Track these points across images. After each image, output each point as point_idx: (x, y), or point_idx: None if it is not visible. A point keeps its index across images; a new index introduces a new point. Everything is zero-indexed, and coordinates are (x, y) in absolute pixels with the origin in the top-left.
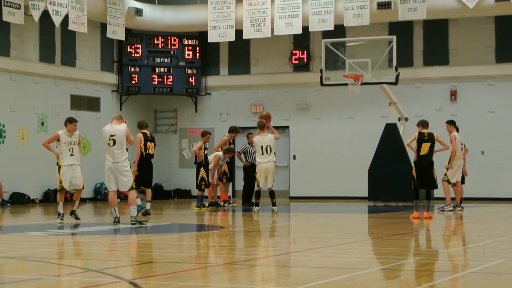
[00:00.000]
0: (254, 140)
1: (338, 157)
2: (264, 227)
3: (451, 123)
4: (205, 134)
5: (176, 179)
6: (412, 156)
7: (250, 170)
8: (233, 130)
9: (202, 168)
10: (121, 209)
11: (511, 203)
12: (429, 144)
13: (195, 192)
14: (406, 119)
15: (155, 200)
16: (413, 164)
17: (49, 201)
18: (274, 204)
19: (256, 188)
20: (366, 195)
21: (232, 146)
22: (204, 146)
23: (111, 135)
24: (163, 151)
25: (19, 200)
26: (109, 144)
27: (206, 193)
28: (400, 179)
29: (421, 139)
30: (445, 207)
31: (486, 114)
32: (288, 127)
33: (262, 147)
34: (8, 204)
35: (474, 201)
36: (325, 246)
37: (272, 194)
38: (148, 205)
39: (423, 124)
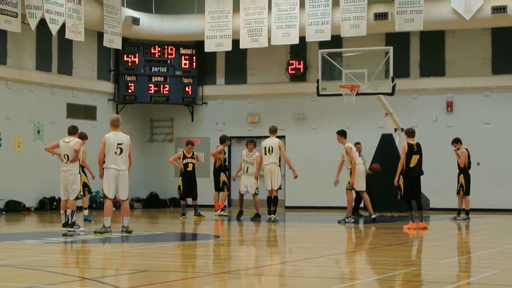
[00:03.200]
0: (262, 143)
1: (334, 167)
2: (259, 236)
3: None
4: (187, 144)
5: (172, 188)
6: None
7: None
8: (224, 139)
9: (180, 177)
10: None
11: (507, 214)
12: (418, 156)
13: (190, 201)
14: (402, 129)
15: (150, 209)
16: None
17: (45, 209)
18: (273, 212)
19: (267, 194)
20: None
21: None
22: (185, 155)
23: (119, 144)
24: (159, 160)
25: (14, 208)
26: (115, 152)
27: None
28: (396, 189)
29: (411, 151)
30: (346, 220)
31: (482, 126)
32: (284, 137)
33: (265, 147)
34: (4, 212)
35: (470, 212)
36: (321, 256)
37: (274, 200)
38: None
39: (410, 133)
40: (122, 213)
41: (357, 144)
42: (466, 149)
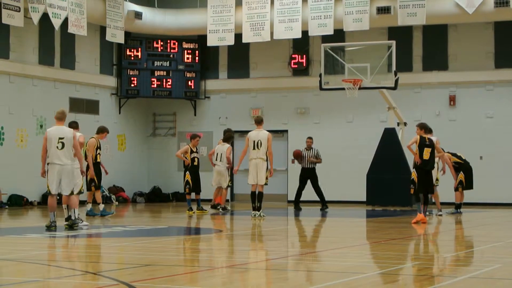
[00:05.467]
0: (249, 135)
1: (336, 161)
2: (262, 231)
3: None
4: (194, 137)
5: (175, 182)
6: (410, 159)
7: (303, 174)
8: (226, 134)
9: (187, 172)
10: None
11: (510, 208)
12: (430, 150)
13: (193, 195)
14: (405, 124)
15: (153, 203)
16: (413, 168)
17: (47, 203)
18: (258, 209)
19: (251, 188)
20: (364, 199)
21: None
22: (192, 150)
23: (60, 138)
24: (162, 155)
25: (17, 202)
26: (57, 147)
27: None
28: (399, 183)
29: (422, 143)
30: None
31: (485, 120)
32: (286, 131)
33: (254, 141)
34: (7, 206)
35: (473, 206)
36: (323, 250)
37: (259, 196)
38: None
39: (425, 128)
40: (70, 206)
41: (308, 138)
42: (449, 152)
